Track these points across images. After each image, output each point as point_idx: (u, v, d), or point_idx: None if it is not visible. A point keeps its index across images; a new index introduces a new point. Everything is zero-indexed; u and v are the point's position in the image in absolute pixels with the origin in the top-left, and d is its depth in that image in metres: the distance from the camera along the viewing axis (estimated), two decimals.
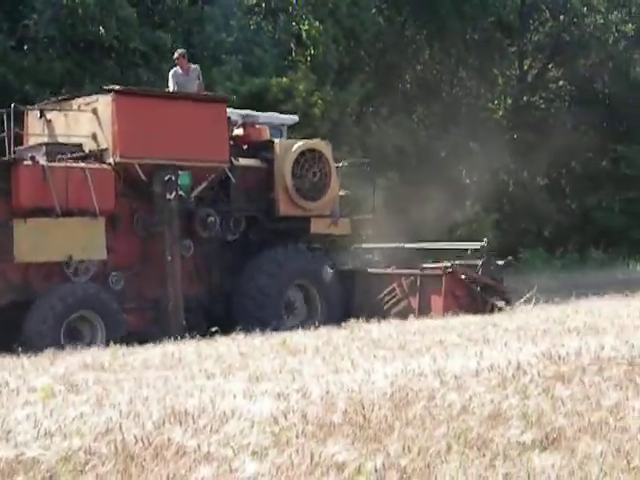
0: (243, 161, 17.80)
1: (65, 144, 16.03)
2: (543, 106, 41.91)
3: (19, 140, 16.65)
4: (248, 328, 14.50)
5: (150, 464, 5.54)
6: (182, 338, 13.84)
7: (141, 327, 15.72)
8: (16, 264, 14.89)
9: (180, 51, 17.77)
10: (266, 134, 18.46)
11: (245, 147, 18.17)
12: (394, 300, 18.47)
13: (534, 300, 18.21)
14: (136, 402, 7.74)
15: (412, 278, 18.27)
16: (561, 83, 41.85)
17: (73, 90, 22.94)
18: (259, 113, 19.33)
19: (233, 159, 17.36)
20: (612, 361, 9.00)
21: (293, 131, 20.24)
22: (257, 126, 18.44)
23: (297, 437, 6.19)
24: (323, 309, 17.99)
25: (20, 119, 16.89)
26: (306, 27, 29.68)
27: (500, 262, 19.07)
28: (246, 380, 8.99)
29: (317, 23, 29.47)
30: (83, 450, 5.87)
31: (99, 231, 15.44)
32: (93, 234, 15.37)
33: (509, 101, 41.19)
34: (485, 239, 19.67)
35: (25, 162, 15.00)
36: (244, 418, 6.74)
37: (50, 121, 16.67)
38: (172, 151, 16.15)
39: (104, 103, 15.95)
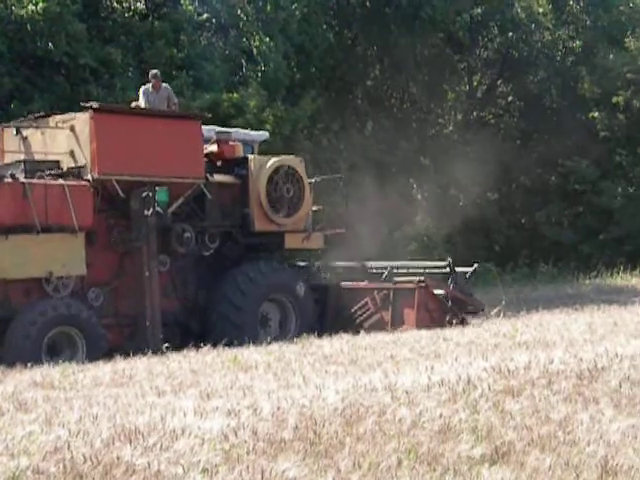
0: (218, 177, 17.99)
1: (43, 161, 16.17)
2: (492, 121, 42.21)
3: None
4: (214, 342, 14.64)
5: None
6: (160, 352, 14.03)
7: (119, 343, 15.65)
8: None
9: (154, 71, 17.89)
10: (240, 151, 18.59)
11: (219, 163, 18.38)
12: (367, 314, 18.64)
13: (502, 313, 18.63)
14: (85, 420, 7.69)
15: (385, 292, 18.47)
16: (510, 99, 42.16)
17: (22, 106, 22.79)
18: (232, 129, 19.57)
19: (208, 175, 17.53)
20: (561, 375, 9.07)
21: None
22: (231, 143, 18.58)
23: (248, 454, 6.18)
24: (297, 323, 18.09)
25: None
26: (257, 43, 29.70)
27: (467, 269, 19.35)
28: (197, 397, 8.96)
29: (267, 39, 29.50)
30: (31, 469, 5.82)
31: (79, 247, 15.54)
32: (73, 250, 15.45)
33: (459, 116, 41.44)
34: (449, 259, 19.68)
35: (5, 179, 15.11)
36: (194, 435, 6.72)
37: (26, 138, 16.74)
38: (149, 168, 16.30)
39: (82, 120, 16.06)
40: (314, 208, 19.31)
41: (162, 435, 6.75)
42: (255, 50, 29.92)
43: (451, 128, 40.97)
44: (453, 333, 15.03)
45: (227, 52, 30.07)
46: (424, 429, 6.76)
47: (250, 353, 13.36)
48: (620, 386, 8.25)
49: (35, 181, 15.33)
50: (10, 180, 15.12)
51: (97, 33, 26.89)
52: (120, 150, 16.02)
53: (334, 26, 36.28)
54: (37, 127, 16.74)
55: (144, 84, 17.93)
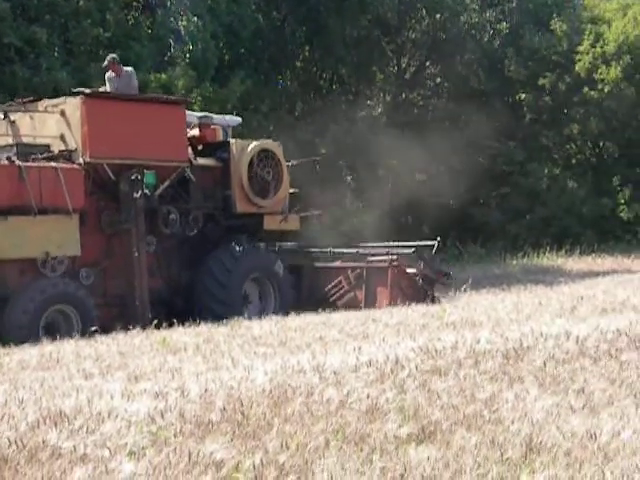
0: (201, 161, 18.58)
1: (34, 145, 16.46)
2: (421, 103, 42.40)
3: None
4: (199, 319, 15.22)
5: (24, 467, 5.46)
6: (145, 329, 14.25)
7: (107, 321, 15.80)
8: None
9: (110, 57, 18.00)
10: (220, 135, 19.26)
11: (200, 147, 18.89)
12: (341, 292, 19.32)
13: (468, 289, 19.62)
14: (11, 404, 7.60)
15: (358, 271, 19.15)
16: (438, 80, 42.39)
17: None
18: (207, 114, 20.12)
19: (192, 159, 18.16)
20: (487, 354, 9.16)
21: None
22: (212, 127, 19.20)
23: (175, 436, 6.17)
24: (277, 301, 18.80)
25: None
26: (184, 23, 29.46)
27: (430, 243, 20.02)
28: (124, 380, 8.91)
29: (195, 19, 29.27)
30: None
31: (73, 228, 16.00)
32: (68, 231, 15.93)
33: (388, 98, 41.57)
34: (438, 237, 20.24)
35: (1, 162, 15.43)
36: (121, 418, 6.68)
37: (14, 122, 16.94)
38: (137, 151, 16.86)
39: (72, 105, 16.45)
40: (291, 191, 19.96)
41: (88, 418, 6.70)
42: (183, 30, 29.68)
43: (380, 110, 41.07)
44: (382, 314, 15.11)
45: (154, 32, 29.79)
46: (352, 409, 6.79)
47: (179, 335, 13.31)
48: (545, 365, 8.36)
49: (30, 164, 15.68)
50: (6, 162, 15.44)
51: (22, 12, 26.45)
52: (110, 134, 16.50)
53: (263, 7, 36.14)
54: (26, 111, 16.98)
55: (105, 71, 18.09)
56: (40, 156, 16.09)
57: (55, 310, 15.53)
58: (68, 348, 12.41)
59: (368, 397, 7.09)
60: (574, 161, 40.76)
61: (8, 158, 15.57)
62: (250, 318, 16.19)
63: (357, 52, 38.52)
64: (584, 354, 8.97)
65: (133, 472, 5.19)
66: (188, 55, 29.54)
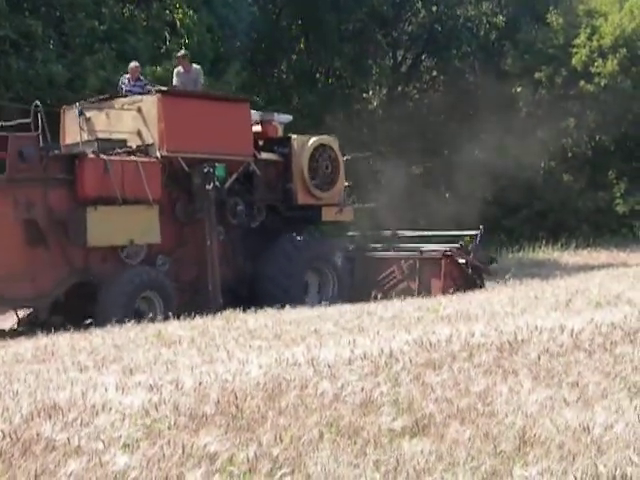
0: (264, 155, 19.66)
1: (112, 140, 17.27)
2: (417, 96, 42.39)
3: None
4: (261, 305, 16.06)
5: (18, 459, 5.45)
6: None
7: (179, 307, 16.51)
8: (78, 249, 16.33)
9: (182, 53, 19.58)
10: (280, 131, 20.41)
11: (261, 143, 19.95)
12: (394, 282, 20.24)
13: (511, 278, 20.16)
14: (5, 397, 7.61)
15: (411, 261, 20.14)
16: (434, 73, 42.39)
17: None
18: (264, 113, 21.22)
19: (256, 153, 19.22)
20: (482, 347, 9.16)
21: None
22: (273, 124, 20.30)
23: (169, 429, 6.17)
24: (334, 290, 19.65)
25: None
26: (180, 16, 29.43)
27: (473, 232, 21.04)
28: (119, 372, 8.91)
29: (191, 12, 29.24)
30: None
31: (154, 217, 17.06)
32: (150, 220, 16.99)
33: (384, 91, 41.56)
34: (481, 227, 21.14)
35: (89, 156, 16.38)
36: (115, 411, 6.68)
37: (89, 119, 17.79)
38: (208, 146, 17.95)
39: (149, 102, 17.55)
40: (346, 183, 20.99)
41: (83, 411, 6.70)
42: (179, 23, 29.66)
43: (376, 103, 41.06)
44: (377, 307, 15.12)
45: (150, 25, 29.75)
46: (346, 402, 6.79)
47: (174, 328, 13.30)
48: (539, 358, 8.36)
49: (113, 158, 16.66)
50: (93, 156, 16.41)
51: (17, 4, 26.43)
52: (184, 130, 17.63)
53: (259, 0, 36.12)
54: (102, 108, 18.02)
55: (176, 66, 19.57)
56: (119, 150, 16.98)
57: (143, 296, 16.61)
58: (63, 341, 12.41)
59: (362, 390, 7.09)
60: (570, 154, 40.75)
61: (94, 152, 16.46)
62: (312, 305, 16.98)
63: (353, 45, 38.52)
64: (578, 347, 8.97)
65: (127, 464, 5.19)
66: (184, 48, 29.49)
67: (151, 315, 15.84)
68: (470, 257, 20.07)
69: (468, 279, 19.75)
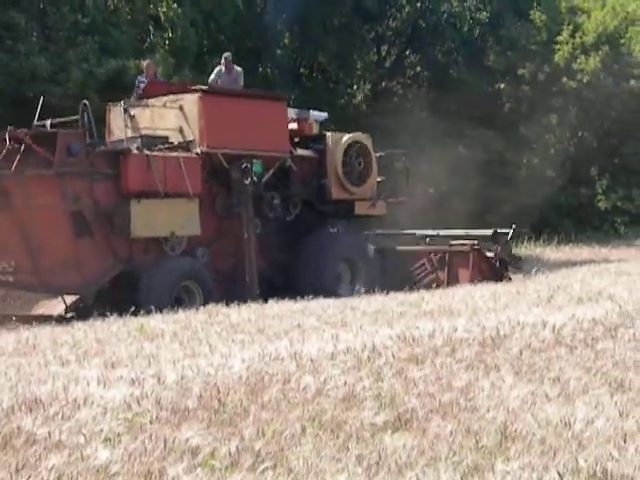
0: (300, 151, 20.35)
1: (155, 136, 18.02)
2: (401, 91, 42.39)
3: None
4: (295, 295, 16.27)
5: None
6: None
7: (217, 297, 17.09)
8: (122, 240, 16.98)
9: (227, 54, 20.61)
10: (315, 128, 21.21)
11: (296, 140, 20.62)
12: (424, 273, 21.08)
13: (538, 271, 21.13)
14: None
15: (441, 254, 21.00)
16: (418, 69, 42.39)
17: None
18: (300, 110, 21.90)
19: (292, 150, 19.93)
20: (464, 343, 9.19)
21: None
22: (309, 121, 21.07)
23: (151, 423, 6.16)
24: (366, 281, 20.09)
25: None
26: (164, 9, 29.36)
27: (506, 230, 21.61)
28: (101, 366, 8.89)
29: (175, 5, 29.17)
30: None
31: (195, 211, 17.72)
32: (190, 213, 17.66)
33: (368, 86, 41.55)
34: (514, 225, 21.83)
35: (133, 152, 17.04)
36: (97, 405, 6.67)
37: (134, 116, 18.49)
38: (246, 142, 18.60)
39: (190, 101, 18.27)
40: (378, 179, 21.67)
41: (64, 405, 6.68)
42: (163, 16, 29.59)
43: (360, 98, 41.04)
44: (361, 302, 15.12)
45: (134, 18, 29.66)
46: (328, 397, 6.79)
47: (157, 322, 13.27)
48: (521, 353, 8.40)
49: (156, 153, 17.36)
50: (137, 152, 17.06)
51: None
52: (223, 127, 18.37)
53: None
54: (145, 106, 18.66)
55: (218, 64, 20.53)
56: (162, 146, 17.69)
57: (183, 285, 17.29)
58: (45, 335, 12.36)
59: (345, 385, 7.10)
60: (552, 151, 40.85)
61: (138, 148, 17.11)
62: (344, 296, 17.78)
63: (337, 40, 38.47)
64: (560, 343, 9.01)
65: (108, 459, 5.18)
66: (167, 42, 29.48)
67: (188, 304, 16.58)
68: (498, 250, 20.91)
69: (495, 271, 20.55)
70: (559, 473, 4.79)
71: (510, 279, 20.31)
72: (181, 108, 18.28)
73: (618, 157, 39.35)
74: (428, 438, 5.61)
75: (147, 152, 17.18)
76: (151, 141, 17.70)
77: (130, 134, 17.95)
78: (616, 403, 6.29)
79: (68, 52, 25.58)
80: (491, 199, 38.28)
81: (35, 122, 17.62)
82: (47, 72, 24.94)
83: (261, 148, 18.86)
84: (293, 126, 20.56)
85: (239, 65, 21.33)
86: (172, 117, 18.36)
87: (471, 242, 20.86)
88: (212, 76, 20.32)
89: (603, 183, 37.89)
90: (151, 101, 18.74)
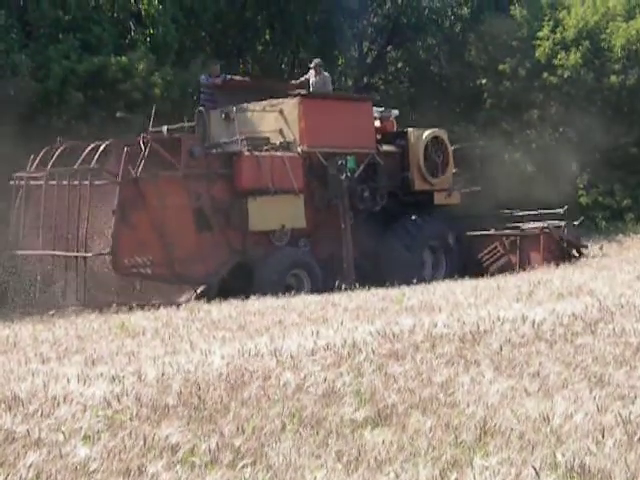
0: (385, 147, 21.94)
1: (258, 138, 19.71)
2: (382, 87, 42.37)
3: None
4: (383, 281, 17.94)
5: None
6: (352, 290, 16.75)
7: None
8: (237, 233, 18.67)
9: (318, 60, 22.45)
10: (395, 126, 23.10)
11: (379, 136, 22.11)
12: (496, 256, 22.19)
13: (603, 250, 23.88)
14: None
15: (512, 238, 22.25)
16: (400, 65, 42.38)
17: None
18: (379, 109, 23.49)
19: (378, 146, 21.53)
20: (444, 338, 9.21)
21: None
22: (390, 120, 22.97)
23: (131, 420, 6.16)
24: (447, 268, 21.76)
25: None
26: (145, 6, 29.26)
27: (575, 223, 23.45)
28: (81, 363, 8.89)
29: (156, 2, 29.06)
30: None
31: (300, 205, 19.47)
32: (297, 207, 19.40)
33: (349, 82, 41.52)
34: (565, 206, 23.73)
35: (245, 153, 18.79)
36: (77, 402, 6.67)
37: (233, 120, 19.91)
38: (340, 141, 20.40)
39: (290, 105, 20.01)
40: (454, 170, 23.33)
41: (43, 402, 6.68)
42: (144, 13, 29.49)
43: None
44: (342, 298, 15.13)
45: (115, 15, 29.55)
46: (308, 393, 6.81)
47: (138, 319, 13.27)
48: (501, 349, 8.42)
49: (264, 154, 19.10)
50: (248, 153, 18.80)
51: None
52: (320, 127, 20.14)
53: None
54: (244, 110, 20.29)
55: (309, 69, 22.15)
56: (265, 147, 19.33)
57: (292, 273, 18.83)
58: (25, 332, 12.35)
59: (325, 381, 7.11)
60: (534, 146, 40.89)
61: (248, 150, 18.83)
62: (427, 281, 18.97)
63: (318, 36, 38.41)
64: (540, 338, 9.04)
65: (88, 456, 5.18)
66: (149, 38, 29.37)
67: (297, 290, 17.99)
68: (565, 233, 22.20)
69: (564, 252, 21.85)
70: (534, 468, 4.80)
71: (581, 254, 22.27)
72: (281, 112, 19.97)
73: (599, 152, 39.41)
74: (407, 433, 5.63)
75: (256, 153, 18.87)
76: (254, 142, 19.32)
77: (230, 137, 19.51)
78: (595, 398, 6.31)
79: (49, 49, 25.45)
80: (473, 194, 38.31)
81: (150, 128, 19.21)
82: (28, 69, 24.82)
83: (352, 145, 20.58)
84: (377, 124, 22.21)
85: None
86: (272, 120, 20.00)
87: (541, 225, 22.10)
88: (304, 77, 21.95)
89: (584, 179, 37.93)
90: (250, 106, 20.38)
